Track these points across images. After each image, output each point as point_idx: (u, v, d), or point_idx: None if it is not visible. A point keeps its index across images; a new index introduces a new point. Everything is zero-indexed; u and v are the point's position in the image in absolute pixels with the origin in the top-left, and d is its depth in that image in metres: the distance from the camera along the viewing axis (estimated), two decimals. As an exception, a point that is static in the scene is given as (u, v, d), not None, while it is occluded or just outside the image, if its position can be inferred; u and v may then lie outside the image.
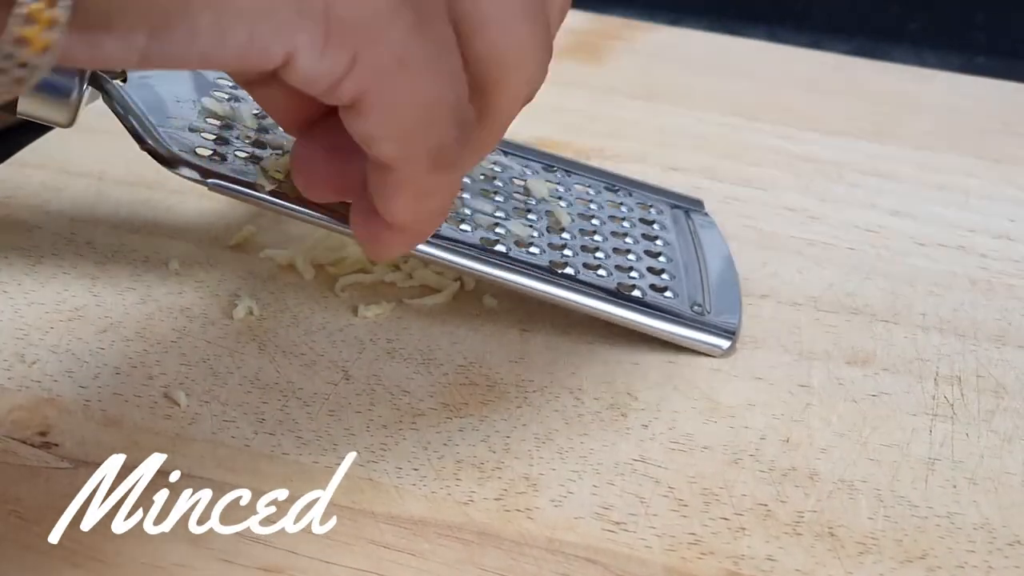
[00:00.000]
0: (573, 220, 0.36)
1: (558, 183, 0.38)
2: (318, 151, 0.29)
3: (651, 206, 0.39)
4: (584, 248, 0.35)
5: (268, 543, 0.27)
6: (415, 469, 0.30)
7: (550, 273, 0.33)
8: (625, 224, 0.37)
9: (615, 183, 0.39)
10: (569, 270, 0.34)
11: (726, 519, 0.29)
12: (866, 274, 0.38)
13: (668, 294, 0.35)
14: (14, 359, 0.32)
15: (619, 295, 0.34)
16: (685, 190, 0.41)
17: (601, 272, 0.34)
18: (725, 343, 0.34)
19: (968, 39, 0.59)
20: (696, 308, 0.35)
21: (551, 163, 0.39)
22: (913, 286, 0.38)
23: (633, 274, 0.35)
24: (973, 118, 0.49)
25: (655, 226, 0.38)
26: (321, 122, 0.29)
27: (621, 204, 0.38)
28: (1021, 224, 0.42)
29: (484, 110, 0.27)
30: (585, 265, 0.34)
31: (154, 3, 0.22)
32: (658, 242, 0.37)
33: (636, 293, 0.34)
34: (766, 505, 0.29)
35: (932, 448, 0.31)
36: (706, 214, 0.40)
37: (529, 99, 0.28)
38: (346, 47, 0.24)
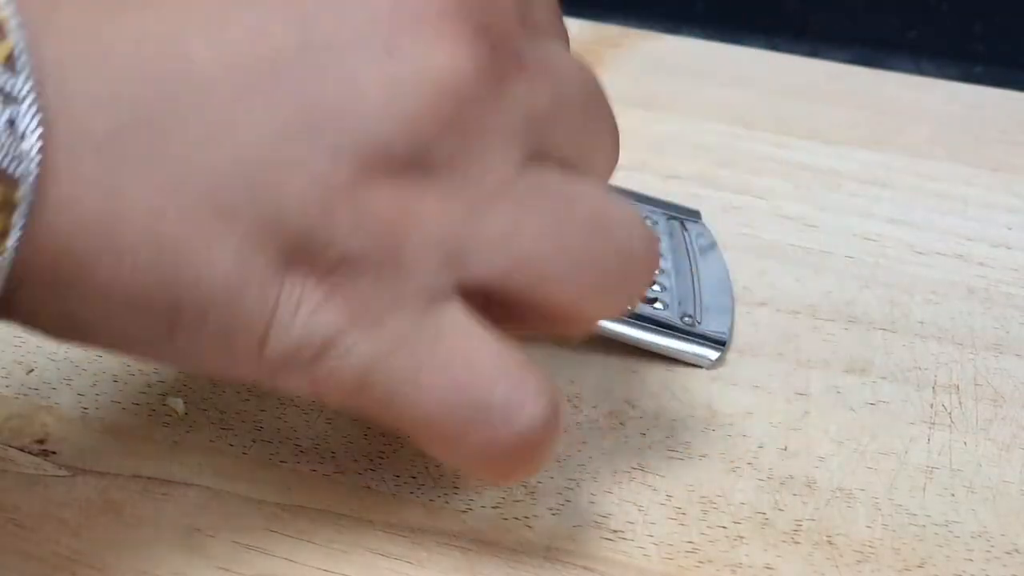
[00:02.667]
0: None
1: None
2: None
3: (645, 217, 0.39)
4: None
5: (266, 551, 0.27)
6: (413, 477, 0.30)
7: None
8: None
9: None
10: None
11: (724, 527, 0.29)
12: (864, 282, 0.38)
13: (658, 305, 0.35)
14: (12, 366, 0.32)
15: None
16: (683, 198, 0.41)
17: None
18: (714, 354, 0.34)
19: (966, 48, 0.59)
20: (686, 319, 0.35)
21: None
22: (911, 294, 0.38)
23: None
24: (971, 127, 0.50)
25: None
26: None
27: None
28: (1019, 232, 0.42)
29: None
30: None
31: (95, 342, 0.24)
32: None
33: None
34: (764, 513, 0.29)
35: (930, 456, 0.31)
36: (702, 224, 0.40)
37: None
38: (296, 378, 0.24)
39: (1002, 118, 0.51)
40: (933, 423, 0.32)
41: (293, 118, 0.22)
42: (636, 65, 0.54)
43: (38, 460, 0.29)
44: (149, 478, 0.29)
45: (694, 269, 0.37)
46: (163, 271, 0.22)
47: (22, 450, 0.30)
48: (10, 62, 0.20)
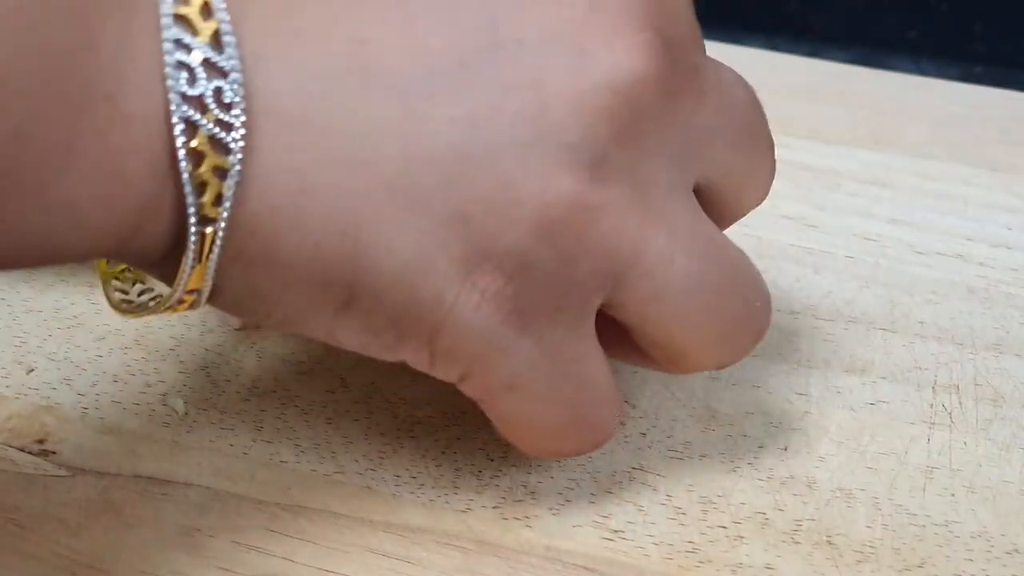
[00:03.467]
0: None
1: None
2: None
3: None
4: None
5: (265, 551, 0.27)
6: (413, 477, 0.30)
7: None
8: None
9: None
10: None
11: (724, 527, 0.29)
12: (864, 282, 0.38)
13: None
14: (12, 366, 0.32)
15: None
16: (683, 198, 0.41)
17: None
18: None
19: (966, 49, 0.59)
20: None
21: None
22: (911, 294, 0.38)
23: None
24: (971, 127, 0.50)
25: None
26: None
27: None
28: (1019, 232, 0.42)
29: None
30: None
31: (275, 316, 0.24)
32: None
33: None
34: (764, 513, 0.29)
35: (930, 456, 0.31)
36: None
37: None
38: (453, 370, 0.25)
39: (1002, 118, 0.51)
40: (933, 423, 0.32)
41: (483, 116, 0.23)
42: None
43: (38, 460, 0.29)
44: (149, 478, 0.29)
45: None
46: (345, 250, 0.23)
47: (22, 450, 0.30)
48: (216, 40, 0.22)
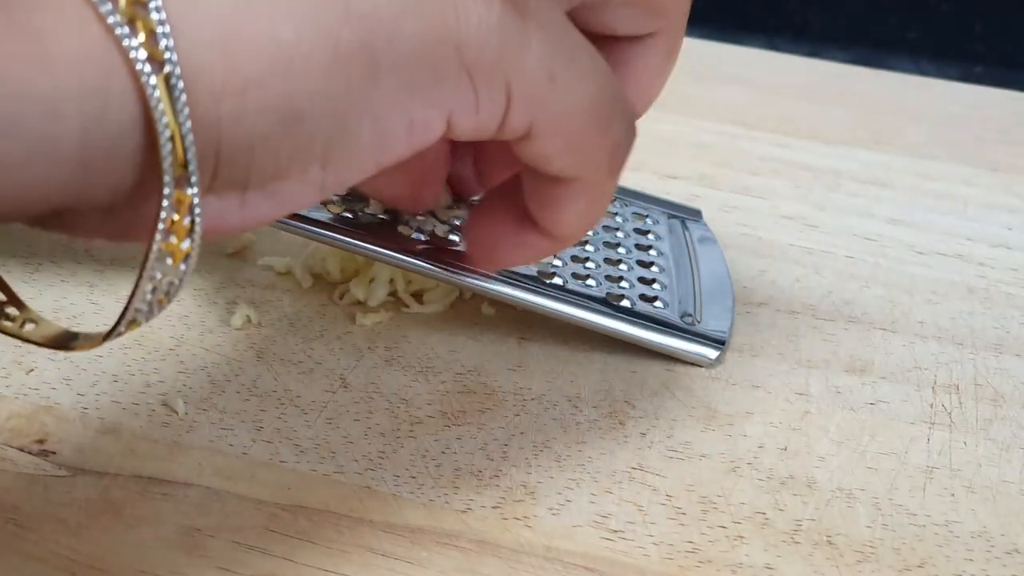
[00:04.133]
0: None
1: None
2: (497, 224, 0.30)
3: (647, 216, 0.39)
4: (575, 258, 0.35)
5: (265, 550, 0.27)
6: (413, 477, 0.30)
7: (539, 284, 0.33)
8: (619, 234, 0.37)
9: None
10: (558, 280, 0.34)
11: (724, 527, 0.29)
12: (864, 282, 0.38)
13: (659, 304, 0.35)
14: (12, 367, 0.32)
15: (608, 305, 0.34)
16: (683, 198, 0.41)
17: (590, 282, 0.34)
18: (714, 353, 0.34)
19: (966, 48, 0.59)
20: (686, 318, 0.35)
21: None
22: (911, 294, 0.38)
23: (623, 284, 0.35)
24: (971, 127, 0.50)
25: (650, 236, 0.38)
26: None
27: (616, 214, 0.38)
28: (1019, 232, 0.42)
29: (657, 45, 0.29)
30: (574, 275, 0.34)
31: (316, 137, 0.23)
32: (651, 252, 0.37)
33: (625, 303, 0.34)
34: (764, 513, 0.29)
35: (930, 456, 0.31)
36: (704, 223, 0.40)
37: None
38: (496, 85, 0.25)
39: (1002, 118, 0.51)
40: (933, 423, 0.32)
41: None
42: (636, 65, 0.53)
43: (38, 460, 0.29)
44: (149, 478, 0.29)
45: (695, 268, 0.37)
46: (341, 10, 0.22)
47: (22, 450, 0.30)
48: None
